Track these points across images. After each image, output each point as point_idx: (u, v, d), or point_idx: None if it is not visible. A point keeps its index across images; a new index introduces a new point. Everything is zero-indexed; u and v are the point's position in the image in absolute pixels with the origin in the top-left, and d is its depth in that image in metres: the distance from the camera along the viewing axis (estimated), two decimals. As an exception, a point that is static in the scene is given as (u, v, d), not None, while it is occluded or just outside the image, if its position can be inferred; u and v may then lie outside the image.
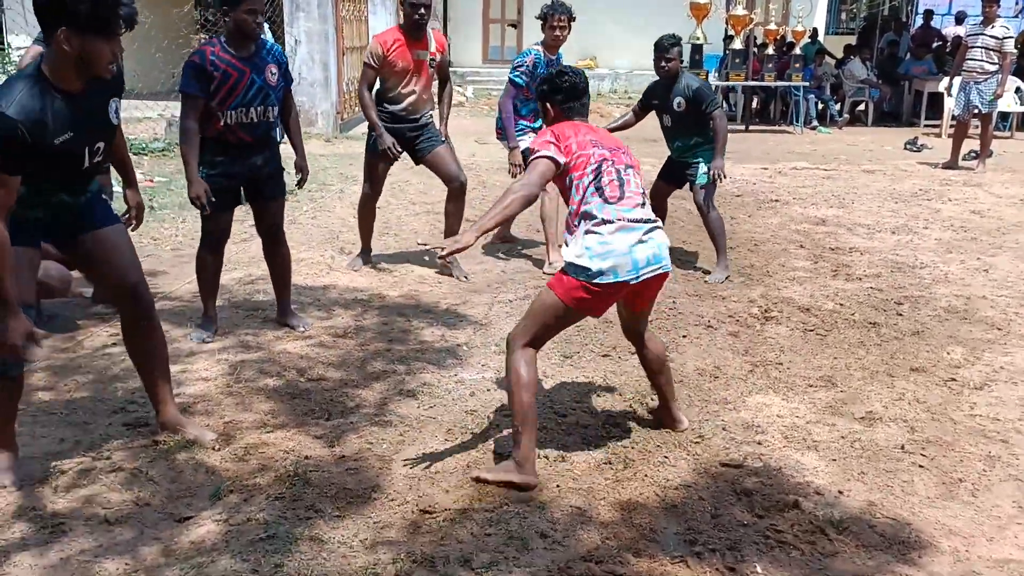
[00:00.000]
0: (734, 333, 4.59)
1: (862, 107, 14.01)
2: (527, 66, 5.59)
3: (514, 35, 18.75)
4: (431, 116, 5.34)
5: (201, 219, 4.28)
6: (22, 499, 2.89)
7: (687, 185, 5.72)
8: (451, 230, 5.41)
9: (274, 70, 4.14)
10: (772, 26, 12.35)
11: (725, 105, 12.27)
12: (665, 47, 5.40)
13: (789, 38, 12.92)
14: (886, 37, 15.32)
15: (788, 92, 13.12)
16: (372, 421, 3.50)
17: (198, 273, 4.37)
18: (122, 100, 3.06)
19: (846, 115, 13.60)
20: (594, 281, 2.97)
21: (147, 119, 10.09)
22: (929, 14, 14.82)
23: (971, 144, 9.95)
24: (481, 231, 2.95)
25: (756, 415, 3.62)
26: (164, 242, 6.08)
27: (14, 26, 10.74)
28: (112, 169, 3.58)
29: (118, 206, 3.52)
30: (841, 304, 5.04)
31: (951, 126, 11.08)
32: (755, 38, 12.46)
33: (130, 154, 3.48)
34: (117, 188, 3.97)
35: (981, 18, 9.66)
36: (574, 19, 5.66)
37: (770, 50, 12.36)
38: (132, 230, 3.54)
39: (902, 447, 3.36)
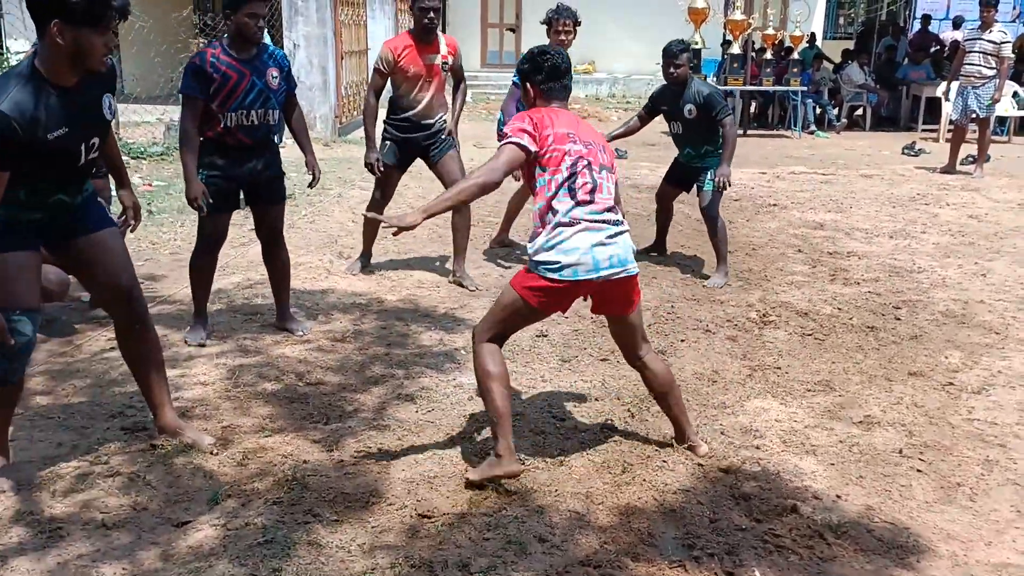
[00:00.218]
0: (732, 337, 4.59)
1: (860, 112, 14.03)
2: None
3: (512, 39, 18.78)
4: (445, 121, 5.30)
5: (198, 221, 4.28)
6: (20, 503, 2.88)
7: (693, 189, 5.73)
8: (459, 246, 5.41)
9: (275, 74, 4.14)
10: (770, 31, 12.38)
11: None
12: (674, 53, 5.36)
13: (787, 43, 12.93)
14: (884, 42, 15.33)
15: (786, 97, 13.15)
16: (370, 425, 3.50)
17: (191, 275, 4.37)
18: (120, 104, 3.05)
19: (844, 120, 13.63)
20: (552, 277, 2.95)
21: (145, 123, 10.06)
22: (927, 19, 14.81)
23: (969, 149, 9.96)
24: (428, 214, 2.93)
25: (754, 419, 3.62)
26: (162, 246, 6.07)
27: (13, 30, 10.73)
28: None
29: (115, 210, 3.52)
30: (839, 308, 5.05)
31: (949, 131, 11.11)
32: (753, 43, 12.47)
33: (124, 157, 3.45)
34: (115, 193, 3.97)
35: (979, 23, 9.68)
36: (579, 24, 5.63)
37: (768, 55, 12.38)
38: (131, 231, 3.53)
39: (900, 451, 3.37)
